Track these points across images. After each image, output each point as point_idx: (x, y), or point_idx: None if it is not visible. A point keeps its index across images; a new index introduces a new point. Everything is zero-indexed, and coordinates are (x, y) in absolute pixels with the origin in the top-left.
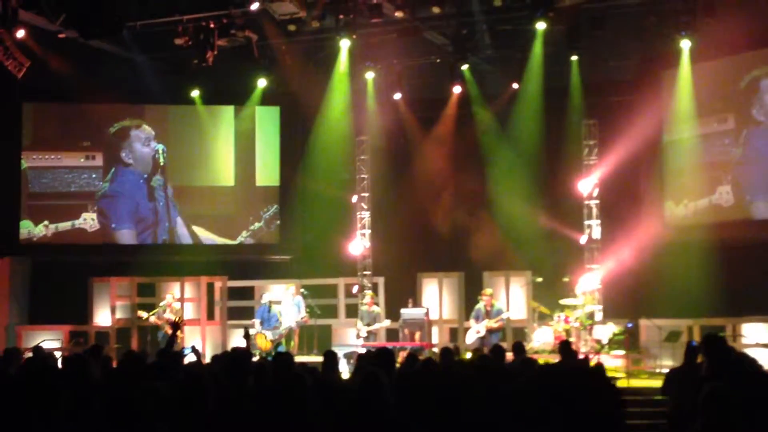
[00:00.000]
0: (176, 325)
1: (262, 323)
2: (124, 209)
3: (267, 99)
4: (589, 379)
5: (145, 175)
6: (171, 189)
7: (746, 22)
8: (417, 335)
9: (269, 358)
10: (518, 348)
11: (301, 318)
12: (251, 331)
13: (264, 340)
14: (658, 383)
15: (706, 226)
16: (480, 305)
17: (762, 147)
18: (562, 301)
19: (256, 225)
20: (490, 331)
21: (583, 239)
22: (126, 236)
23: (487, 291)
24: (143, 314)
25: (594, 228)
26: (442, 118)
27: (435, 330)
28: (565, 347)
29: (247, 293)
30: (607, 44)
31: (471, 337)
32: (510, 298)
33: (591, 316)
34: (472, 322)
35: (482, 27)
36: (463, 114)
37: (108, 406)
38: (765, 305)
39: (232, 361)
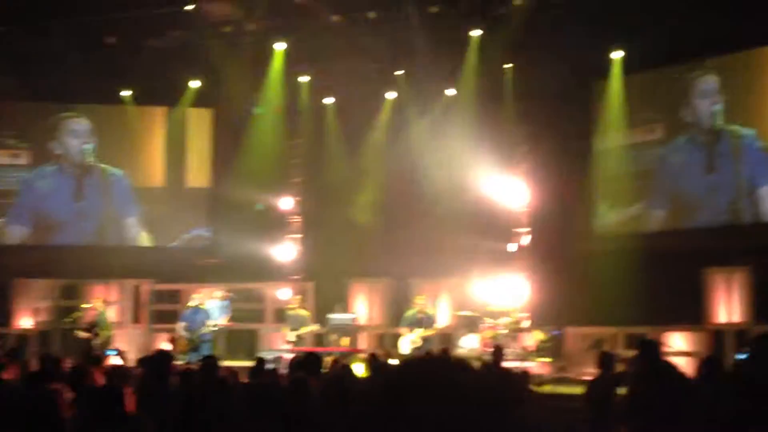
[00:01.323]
0: (90, 329)
1: (187, 326)
2: (25, 208)
3: (200, 101)
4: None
5: (74, 173)
6: (101, 189)
7: (678, 33)
8: (345, 341)
9: (193, 361)
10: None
11: (225, 321)
12: (175, 335)
13: (186, 344)
14: (582, 390)
15: (633, 235)
16: (413, 312)
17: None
18: (491, 307)
19: (193, 232)
20: (425, 340)
21: (511, 247)
22: (16, 234)
23: (420, 298)
24: (71, 318)
25: (523, 236)
26: (375, 124)
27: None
28: (498, 352)
29: (175, 297)
30: (541, 53)
31: (405, 346)
32: (438, 303)
33: (518, 323)
34: (405, 330)
35: (418, 33)
36: (398, 120)
37: (20, 409)
38: (687, 314)
39: (155, 363)
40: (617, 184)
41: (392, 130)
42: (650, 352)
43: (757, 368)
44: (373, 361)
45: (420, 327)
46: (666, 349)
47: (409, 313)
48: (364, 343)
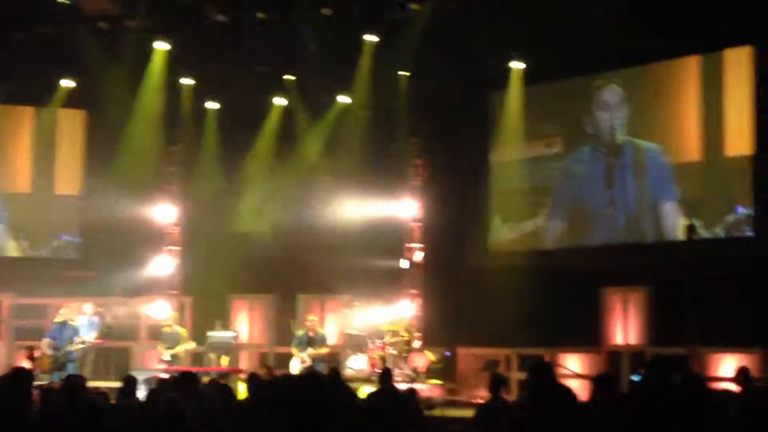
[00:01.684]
0: None
1: (53, 343)
2: None
3: (72, 102)
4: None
5: None
6: None
7: (581, 44)
8: (225, 360)
9: (57, 380)
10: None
11: (94, 338)
12: (36, 353)
13: (48, 362)
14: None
15: (529, 252)
16: (302, 333)
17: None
18: (380, 326)
19: (62, 238)
20: (316, 360)
21: (403, 263)
22: None
23: (311, 317)
24: None
25: (415, 252)
26: (262, 131)
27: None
28: (386, 373)
29: (40, 311)
30: (438, 61)
31: (295, 367)
32: (325, 322)
33: (408, 343)
34: (294, 350)
35: (309, 36)
36: (285, 127)
37: None
38: (584, 335)
39: (12, 382)
40: (513, 199)
41: (280, 138)
42: (543, 375)
43: (651, 390)
44: (254, 381)
45: (311, 346)
46: (561, 371)
47: (300, 332)
48: (245, 362)
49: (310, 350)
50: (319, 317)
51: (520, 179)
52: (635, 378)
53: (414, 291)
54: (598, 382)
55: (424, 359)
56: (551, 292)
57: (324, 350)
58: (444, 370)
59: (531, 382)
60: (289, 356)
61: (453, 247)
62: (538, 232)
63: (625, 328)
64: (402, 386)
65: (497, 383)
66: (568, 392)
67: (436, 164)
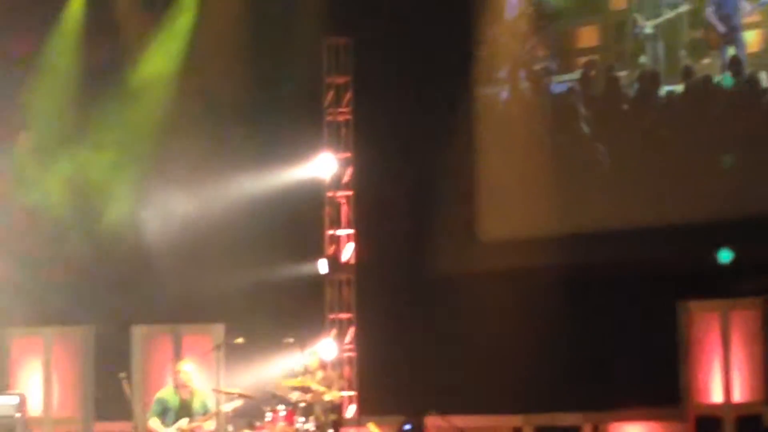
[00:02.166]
0: None
1: None
2: None
3: None
4: None
5: None
6: None
7: None
8: None
9: None
10: None
11: None
12: None
13: None
14: None
15: (548, 244)
16: (166, 393)
17: None
18: (284, 379)
19: None
20: None
21: (322, 266)
22: None
23: (182, 366)
24: None
25: (343, 245)
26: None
27: None
28: None
29: None
30: None
31: None
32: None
33: (336, 410)
34: (154, 421)
35: None
36: (97, 32)
37: None
38: (648, 388)
39: None
40: (518, 156)
41: (89, 53)
42: None
43: None
44: None
45: (184, 417)
46: None
47: (164, 394)
48: None
49: (182, 424)
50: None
51: (529, 123)
52: None
53: (343, 315)
54: None
55: None
56: (590, 312)
57: (209, 422)
58: None
59: None
60: None
61: (411, 236)
62: (566, 209)
63: (725, 373)
64: None
65: None
66: None
67: (376, 87)
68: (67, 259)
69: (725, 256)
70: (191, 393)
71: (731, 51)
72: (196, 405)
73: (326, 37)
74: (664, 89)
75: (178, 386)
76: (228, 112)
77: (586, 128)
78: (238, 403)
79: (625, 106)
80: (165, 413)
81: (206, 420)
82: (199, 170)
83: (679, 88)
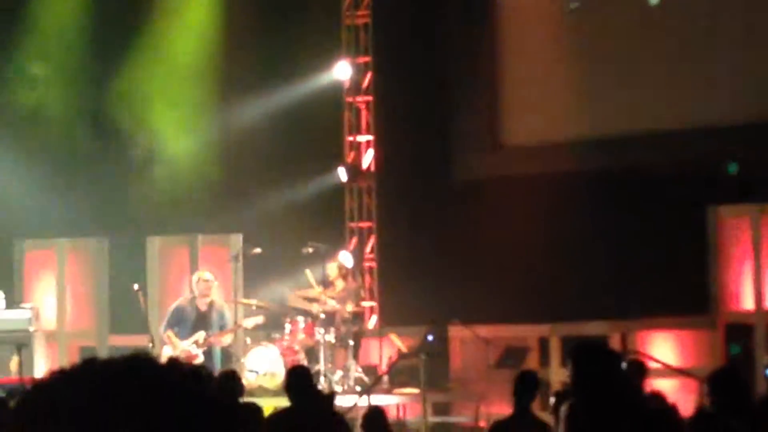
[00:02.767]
0: None
1: None
2: None
3: None
4: None
5: None
6: None
7: None
8: (13, 363)
9: None
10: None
11: None
12: None
13: None
14: None
15: (576, 148)
16: (183, 303)
17: None
18: (303, 291)
19: None
20: (212, 353)
21: (341, 173)
22: None
23: (203, 274)
24: None
25: (364, 152)
26: None
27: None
28: (300, 380)
29: None
30: None
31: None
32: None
33: (358, 318)
34: (168, 334)
35: None
36: None
37: None
38: (676, 296)
39: None
40: (545, 51)
41: None
42: (601, 367)
43: None
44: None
45: (201, 329)
46: (637, 362)
47: (181, 303)
48: (53, 362)
49: (199, 338)
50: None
51: (552, 26)
52: None
53: (363, 224)
54: (713, 384)
55: (388, 350)
56: (617, 218)
57: (226, 336)
58: (426, 370)
59: (579, 381)
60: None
61: (432, 141)
62: (591, 113)
63: (756, 279)
64: (346, 401)
65: (528, 389)
66: (651, 404)
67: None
68: (81, 169)
69: (732, 168)
70: (209, 304)
71: None
72: (214, 317)
73: None
74: None
75: (197, 296)
76: (246, 23)
77: (613, 29)
78: (259, 319)
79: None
80: (180, 324)
81: (223, 335)
82: (219, 87)
83: None
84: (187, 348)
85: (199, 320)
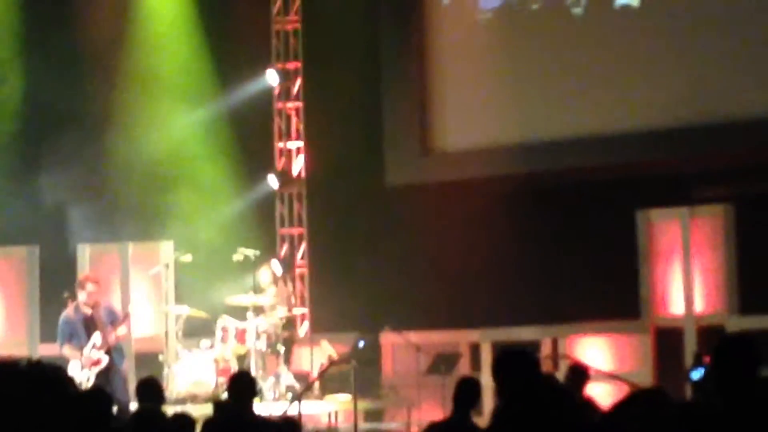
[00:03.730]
0: None
1: None
2: None
3: None
4: None
5: None
6: None
7: None
8: None
9: None
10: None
11: None
12: None
13: None
14: None
15: (507, 153)
16: (68, 314)
17: None
18: (231, 300)
19: None
20: (110, 352)
21: (272, 181)
22: None
23: (89, 283)
24: None
25: (294, 157)
26: None
27: None
28: (238, 387)
29: None
30: None
31: (78, 370)
32: (131, 292)
33: (289, 325)
34: (65, 350)
35: None
36: None
37: None
38: (608, 300)
39: None
40: (476, 48)
41: None
42: (523, 372)
43: (730, 400)
44: None
45: (93, 330)
46: (577, 366)
47: (65, 316)
48: None
49: (97, 341)
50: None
51: (484, 30)
52: (696, 375)
53: (294, 230)
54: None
55: (319, 356)
56: (547, 223)
57: (120, 329)
58: (357, 376)
59: (500, 388)
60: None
61: (363, 147)
62: (521, 117)
63: (686, 283)
64: (277, 408)
65: (469, 395)
66: (581, 408)
67: None
68: (12, 179)
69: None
70: (93, 305)
71: None
72: (103, 315)
73: None
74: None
75: (82, 303)
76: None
77: (541, 36)
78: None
79: (578, 13)
80: (74, 335)
81: (118, 328)
82: (149, 94)
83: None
84: (88, 355)
85: (90, 324)
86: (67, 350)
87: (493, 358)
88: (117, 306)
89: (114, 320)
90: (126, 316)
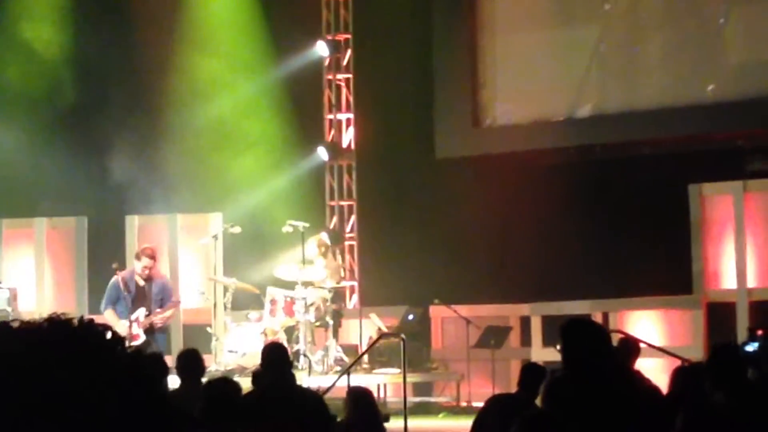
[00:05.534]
0: None
1: None
2: None
3: None
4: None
5: None
6: None
7: None
8: None
9: None
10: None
11: None
12: None
13: None
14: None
15: (557, 129)
16: (120, 279)
17: None
18: (280, 272)
19: None
20: (153, 332)
21: (322, 153)
22: None
23: (144, 255)
24: None
25: (344, 130)
26: None
27: None
28: (274, 354)
29: None
30: None
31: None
32: (179, 263)
33: (338, 297)
34: (107, 313)
35: None
36: None
37: None
38: (659, 275)
39: None
40: (525, 35)
41: None
42: (587, 343)
43: None
44: None
45: (140, 305)
46: (628, 340)
47: (118, 280)
48: None
49: (140, 316)
50: (170, 253)
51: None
52: (750, 348)
53: (344, 203)
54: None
55: (368, 329)
56: (599, 197)
57: (167, 312)
58: (406, 350)
59: (567, 356)
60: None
61: (414, 118)
62: (573, 91)
63: (739, 258)
64: (322, 382)
65: (532, 379)
66: (633, 383)
67: None
68: (60, 150)
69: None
70: (148, 278)
71: None
72: (154, 291)
73: None
74: None
75: (138, 273)
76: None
77: (594, 9)
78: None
79: None
80: (118, 302)
81: (165, 312)
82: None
83: None
84: (127, 327)
85: (139, 296)
86: (108, 314)
87: (561, 328)
88: (170, 285)
89: (164, 299)
90: (176, 302)
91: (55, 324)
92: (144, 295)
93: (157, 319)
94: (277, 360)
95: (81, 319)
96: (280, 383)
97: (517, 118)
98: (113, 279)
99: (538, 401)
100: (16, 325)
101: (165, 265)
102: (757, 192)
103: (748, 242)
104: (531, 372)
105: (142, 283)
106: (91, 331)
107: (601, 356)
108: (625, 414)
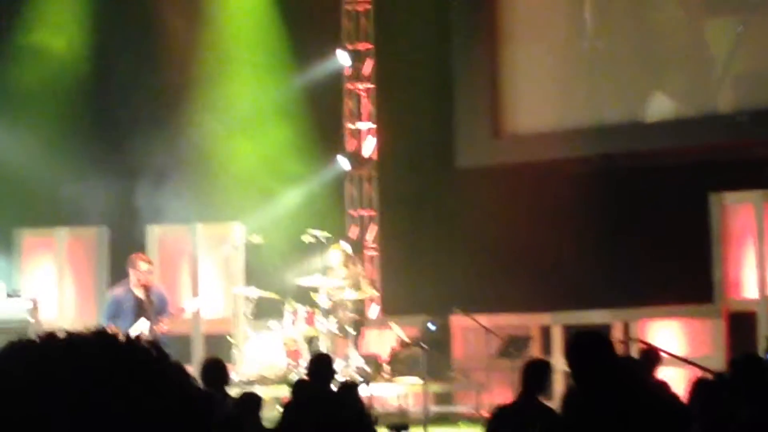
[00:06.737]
0: None
1: None
2: None
3: None
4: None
5: None
6: None
7: None
8: None
9: None
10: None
11: None
12: None
13: None
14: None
15: (580, 137)
16: (119, 292)
17: None
18: (301, 282)
19: None
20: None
21: (343, 162)
22: None
23: (141, 261)
24: None
25: (364, 139)
26: None
27: None
28: (321, 364)
29: None
30: None
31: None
32: (198, 273)
33: (359, 307)
34: (108, 328)
35: None
36: None
37: None
38: (679, 285)
39: None
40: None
41: None
42: (600, 358)
43: None
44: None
45: (141, 316)
46: (649, 350)
47: (116, 294)
48: None
49: (143, 327)
50: (189, 264)
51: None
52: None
53: (364, 212)
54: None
55: (389, 339)
56: (619, 206)
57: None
58: (427, 359)
59: (578, 372)
60: None
61: (434, 128)
62: (593, 100)
63: (760, 267)
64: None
65: (537, 377)
66: (655, 394)
67: None
68: (82, 159)
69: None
70: (147, 289)
71: None
72: (154, 302)
73: None
74: None
75: (136, 284)
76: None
77: (615, 16)
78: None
79: None
80: (120, 316)
81: (169, 321)
82: (221, 75)
83: None
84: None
85: (139, 308)
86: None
87: (566, 340)
88: (169, 295)
89: (162, 310)
90: (179, 310)
91: (103, 337)
92: (143, 306)
93: (160, 328)
94: (323, 371)
95: (127, 335)
96: (322, 394)
97: (538, 127)
98: (110, 297)
99: (541, 399)
100: (62, 336)
101: (186, 275)
102: None
103: None
104: (532, 369)
105: (140, 294)
106: (138, 347)
107: (606, 367)
108: (640, 424)
